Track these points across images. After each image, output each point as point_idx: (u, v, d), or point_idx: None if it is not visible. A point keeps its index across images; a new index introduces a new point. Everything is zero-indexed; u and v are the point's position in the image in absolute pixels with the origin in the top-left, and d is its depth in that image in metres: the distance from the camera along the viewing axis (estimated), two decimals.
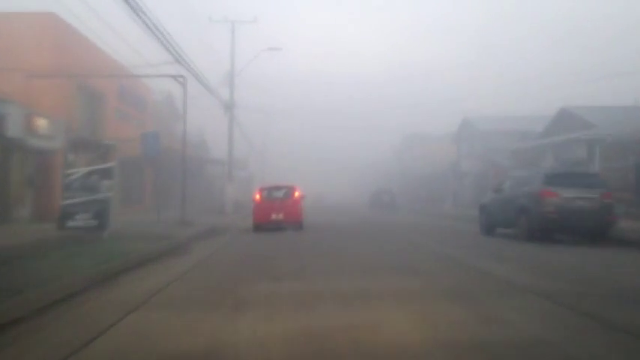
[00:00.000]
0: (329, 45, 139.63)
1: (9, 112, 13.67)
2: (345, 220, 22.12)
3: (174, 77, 16.19)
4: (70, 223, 10.44)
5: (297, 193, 16.87)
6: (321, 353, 3.69)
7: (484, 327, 4.30)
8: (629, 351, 3.76)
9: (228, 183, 25.76)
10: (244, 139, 41.16)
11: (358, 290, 5.84)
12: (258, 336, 4.12)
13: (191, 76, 19.79)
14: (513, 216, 12.10)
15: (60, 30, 19.06)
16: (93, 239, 10.14)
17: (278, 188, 17.49)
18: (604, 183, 11.89)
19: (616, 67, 57.77)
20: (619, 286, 6.12)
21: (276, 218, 16.11)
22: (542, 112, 32.13)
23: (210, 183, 39.01)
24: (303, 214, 16.87)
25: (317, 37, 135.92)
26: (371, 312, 4.83)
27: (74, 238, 10.06)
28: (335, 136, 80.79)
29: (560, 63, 75.42)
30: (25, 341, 4.07)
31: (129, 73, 20.86)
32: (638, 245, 10.35)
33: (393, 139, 56.19)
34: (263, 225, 16.25)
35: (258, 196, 16.90)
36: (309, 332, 4.18)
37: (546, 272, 7.04)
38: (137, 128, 27.45)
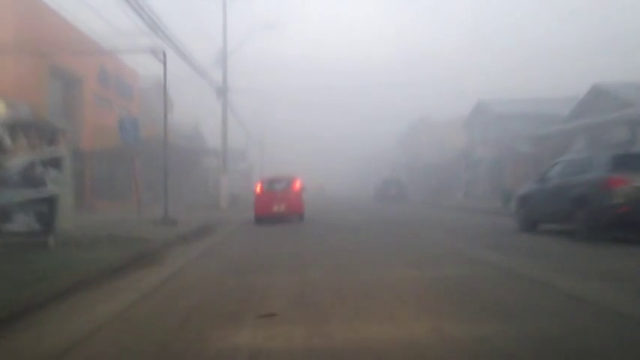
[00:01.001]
0: (331, 28, 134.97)
1: None
2: (352, 216, 19.79)
3: (152, 52, 13.77)
4: (6, 227, 8.10)
5: (297, 184, 16.59)
6: None
7: None
8: None
9: (223, 175, 23.42)
10: (241, 128, 38.80)
11: (407, 351, 3.48)
12: None
13: (177, 57, 17.45)
14: (566, 209, 9.72)
15: (24, 1, 16.64)
16: (36, 247, 7.82)
17: (279, 180, 17.24)
18: None
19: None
20: None
21: (278, 210, 15.79)
22: (563, 93, 29.76)
23: (205, 176, 36.61)
24: (305, 205, 16.56)
25: (318, 19, 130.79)
26: None
27: (9, 247, 7.74)
28: (337, 126, 78.44)
29: (572, 42, 72.26)
30: None
31: (101, 48, 18.36)
32: None
33: (398, 127, 53.73)
34: (264, 217, 15.84)
35: (259, 188, 16.71)
36: None
37: None
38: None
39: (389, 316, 4.30)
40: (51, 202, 8.03)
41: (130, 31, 14.23)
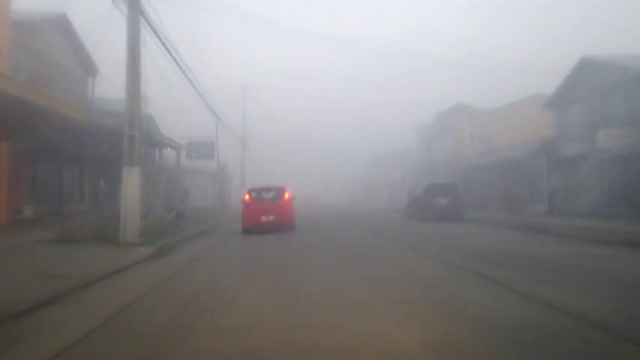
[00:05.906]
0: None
1: None
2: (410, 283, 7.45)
3: None
4: None
5: (287, 195, 16.25)
6: None
7: None
8: None
9: (129, 169, 11.00)
10: (207, 109, 26.57)
11: None
12: None
13: None
14: None
15: None
16: None
17: (267, 189, 17.00)
18: None
19: None
20: None
21: (267, 220, 15.63)
22: None
23: (157, 178, 23.36)
24: (294, 216, 16.28)
25: None
26: None
27: None
28: (336, 120, 66.76)
29: None
30: None
31: None
32: None
33: (418, 119, 41.88)
34: (252, 228, 15.55)
35: (247, 198, 16.42)
36: None
37: None
38: None
39: None
40: None
41: None
